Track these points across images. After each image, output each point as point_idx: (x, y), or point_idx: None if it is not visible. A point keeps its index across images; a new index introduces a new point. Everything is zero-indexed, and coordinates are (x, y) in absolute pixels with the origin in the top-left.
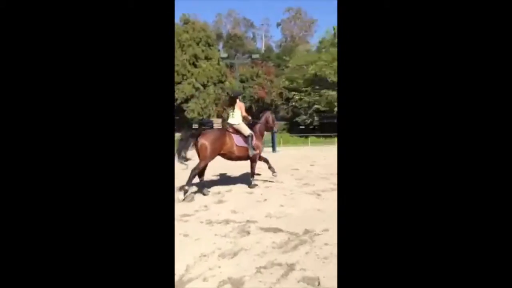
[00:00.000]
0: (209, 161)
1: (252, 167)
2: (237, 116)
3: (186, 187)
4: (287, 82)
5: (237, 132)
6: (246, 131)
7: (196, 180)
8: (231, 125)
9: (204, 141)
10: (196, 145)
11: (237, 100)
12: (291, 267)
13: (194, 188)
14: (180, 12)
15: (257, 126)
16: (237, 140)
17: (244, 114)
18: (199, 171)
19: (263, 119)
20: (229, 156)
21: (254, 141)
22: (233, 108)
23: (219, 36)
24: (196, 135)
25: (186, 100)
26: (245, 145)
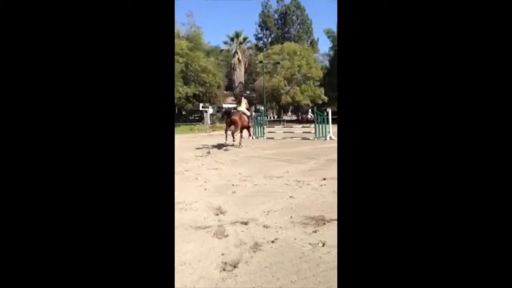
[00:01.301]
0: (239, 129)
1: (249, 133)
2: (243, 106)
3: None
4: None
5: (244, 114)
6: (248, 113)
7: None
8: (240, 110)
9: (235, 118)
10: (231, 120)
11: (242, 98)
12: None
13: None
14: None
15: (250, 111)
16: (246, 118)
17: (247, 106)
18: (234, 133)
19: (252, 109)
20: (242, 126)
21: (251, 119)
22: (240, 103)
23: None
24: (229, 116)
25: None
26: (247, 121)
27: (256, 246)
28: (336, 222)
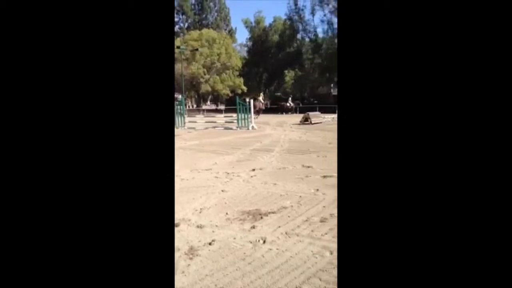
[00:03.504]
0: (256, 112)
1: (258, 115)
2: (260, 97)
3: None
4: None
5: (261, 102)
6: (263, 101)
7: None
8: (258, 100)
9: (256, 103)
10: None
11: (260, 94)
12: None
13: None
14: None
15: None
16: (261, 105)
17: (263, 97)
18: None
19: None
20: (259, 109)
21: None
22: (258, 96)
23: None
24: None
25: None
26: (262, 107)
27: (192, 252)
28: (272, 214)
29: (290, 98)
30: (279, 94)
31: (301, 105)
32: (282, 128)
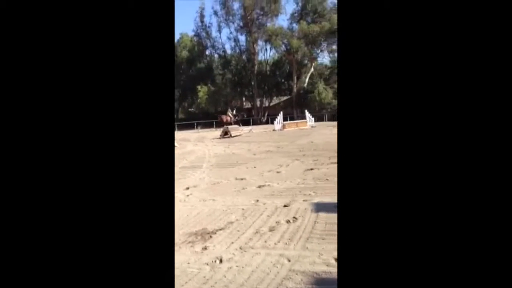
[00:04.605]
0: (224, 123)
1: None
2: (229, 112)
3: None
4: None
5: (228, 116)
6: (231, 115)
7: None
8: (228, 114)
9: (222, 116)
10: (220, 118)
11: (229, 108)
12: None
13: None
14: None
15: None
16: (229, 118)
17: (232, 112)
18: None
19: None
20: (226, 122)
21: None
22: (227, 110)
23: None
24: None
25: None
26: (229, 120)
27: None
28: (220, 231)
29: (229, 110)
30: (192, 109)
31: (245, 116)
32: (204, 143)
